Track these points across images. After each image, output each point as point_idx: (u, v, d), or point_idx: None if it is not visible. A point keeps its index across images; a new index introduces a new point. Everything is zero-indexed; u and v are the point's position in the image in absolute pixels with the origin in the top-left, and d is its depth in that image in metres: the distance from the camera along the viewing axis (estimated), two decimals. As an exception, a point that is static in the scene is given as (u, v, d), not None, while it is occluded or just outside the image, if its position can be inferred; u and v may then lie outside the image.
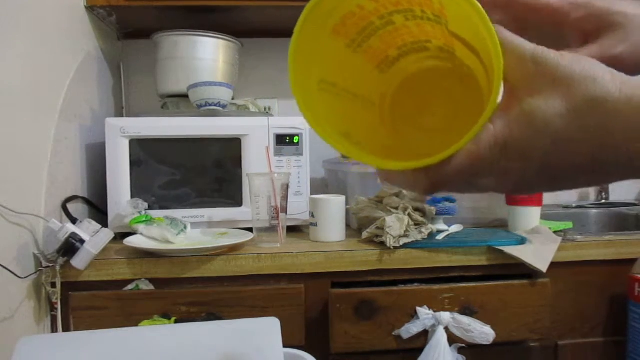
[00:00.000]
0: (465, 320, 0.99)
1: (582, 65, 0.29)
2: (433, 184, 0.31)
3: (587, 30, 0.37)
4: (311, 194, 1.19)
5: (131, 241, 1.03)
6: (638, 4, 0.38)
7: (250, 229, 1.13)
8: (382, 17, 0.36)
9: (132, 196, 1.15)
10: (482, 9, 0.30)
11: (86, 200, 1.21)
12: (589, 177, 0.30)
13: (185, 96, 1.32)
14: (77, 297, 0.97)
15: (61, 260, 0.95)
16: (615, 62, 0.36)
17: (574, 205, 1.60)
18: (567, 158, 0.29)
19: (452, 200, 1.17)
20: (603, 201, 1.66)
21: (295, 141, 1.20)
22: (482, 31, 0.30)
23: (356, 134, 0.38)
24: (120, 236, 1.08)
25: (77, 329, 0.96)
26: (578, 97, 0.28)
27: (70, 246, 0.94)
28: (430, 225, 1.10)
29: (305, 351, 0.70)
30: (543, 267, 1.01)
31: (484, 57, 0.32)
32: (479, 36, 0.31)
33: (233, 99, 1.41)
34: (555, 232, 1.13)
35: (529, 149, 0.29)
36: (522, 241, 1.07)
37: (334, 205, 1.11)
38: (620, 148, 0.27)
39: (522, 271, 1.04)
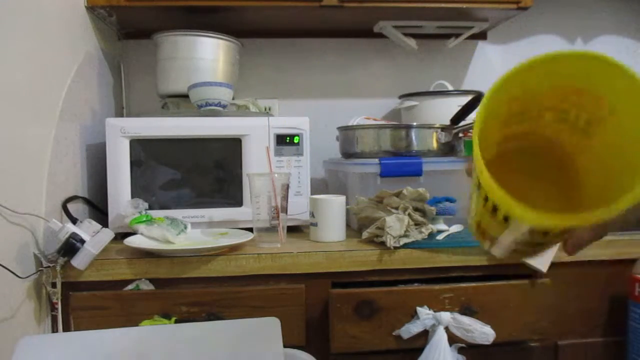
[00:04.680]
0: (466, 320, 0.99)
1: None
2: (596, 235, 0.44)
3: None
4: (311, 194, 1.19)
5: (131, 241, 1.04)
6: None
7: (250, 229, 1.13)
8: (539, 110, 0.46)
9: (133, 196, 1.15)
10: None
11: (86, 200, 1.21)
12: None
13: (185, 96, 1.32)
14: (77, 297, 0.97)
15: (61, 260, 0.95)
16: None
17: (574, 205, 1.60)
18: None
19: (452, 200, 1.17)
20: (603, 201, 1.66)
21: (296, 141, 1.20)
22: None
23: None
24: (121, 236, 1.08)
25: (77, 329, 0.96)
26: None
27: (71, 246, 0.94)
28: (430, 225, 1.10)
29: (305, 351, 0.70)
30: (543, 267, 1.01)
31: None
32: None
33: (233, 99, 1.41)
34: (555, 232, 1.12)
35: None
36: (522, 241, 1.06)
37: (334, 205, 1.12)
38: None
39: (522, 271, 1.04)
